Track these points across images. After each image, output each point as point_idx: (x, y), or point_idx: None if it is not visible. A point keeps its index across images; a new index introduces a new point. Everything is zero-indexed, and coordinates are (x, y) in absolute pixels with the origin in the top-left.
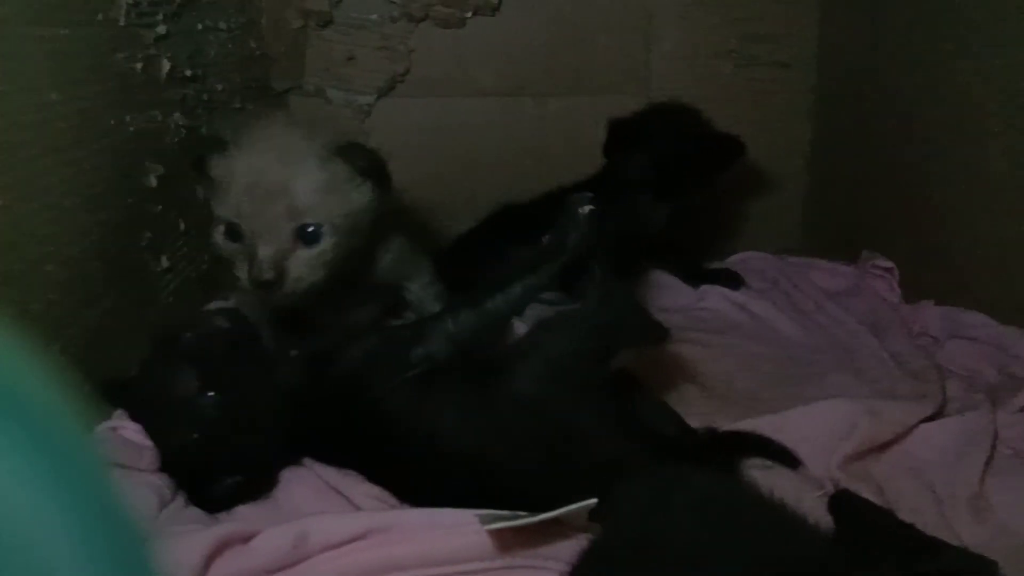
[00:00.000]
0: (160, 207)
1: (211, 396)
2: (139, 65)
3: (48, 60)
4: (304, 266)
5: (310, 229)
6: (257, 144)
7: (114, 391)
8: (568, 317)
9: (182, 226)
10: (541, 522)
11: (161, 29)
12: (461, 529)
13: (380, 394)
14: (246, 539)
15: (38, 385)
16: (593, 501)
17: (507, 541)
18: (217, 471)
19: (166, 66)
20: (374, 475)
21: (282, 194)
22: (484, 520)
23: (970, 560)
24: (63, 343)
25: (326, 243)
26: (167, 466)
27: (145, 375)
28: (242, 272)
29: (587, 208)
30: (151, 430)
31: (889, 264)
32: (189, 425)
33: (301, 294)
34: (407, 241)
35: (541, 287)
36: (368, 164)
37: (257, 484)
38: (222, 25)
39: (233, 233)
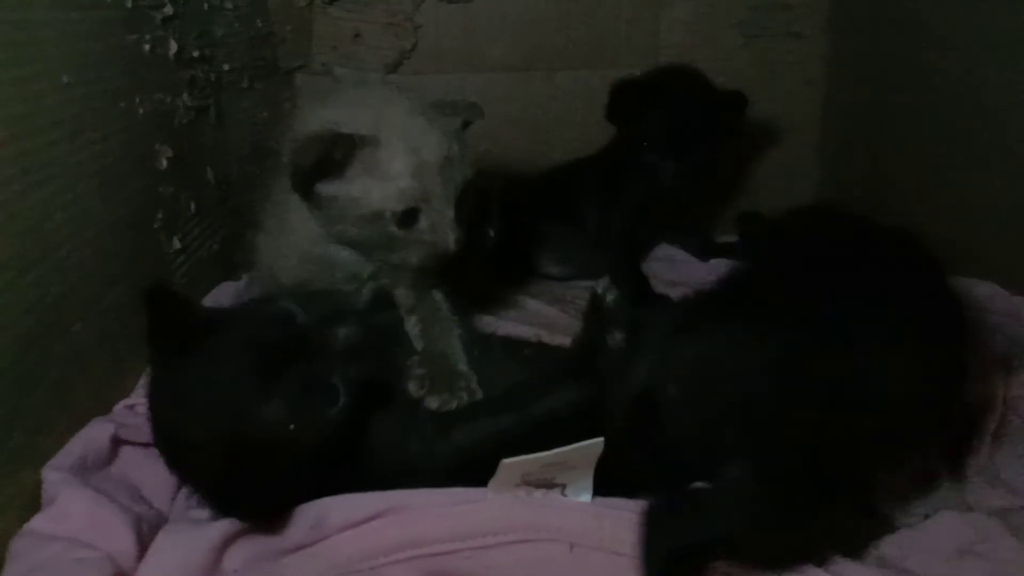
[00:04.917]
0: (171, 189)
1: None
2: (147, 47)
3: (60, 44)
4: (462, 225)
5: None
6: (408, 125)
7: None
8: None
9: (193, 207)
10: (554, 458)
11: (168, 10)
12: (481, 504)
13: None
14: None
15: None
16: (600, 440)
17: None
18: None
19: (174, 47)
20: None
21: (453, 162)
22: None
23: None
24: (83, 326)
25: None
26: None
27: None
28: (414, 253)
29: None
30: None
31: None
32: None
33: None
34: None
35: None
36: (471, 117)
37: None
38: (228, 4)
39: (407, 219)
